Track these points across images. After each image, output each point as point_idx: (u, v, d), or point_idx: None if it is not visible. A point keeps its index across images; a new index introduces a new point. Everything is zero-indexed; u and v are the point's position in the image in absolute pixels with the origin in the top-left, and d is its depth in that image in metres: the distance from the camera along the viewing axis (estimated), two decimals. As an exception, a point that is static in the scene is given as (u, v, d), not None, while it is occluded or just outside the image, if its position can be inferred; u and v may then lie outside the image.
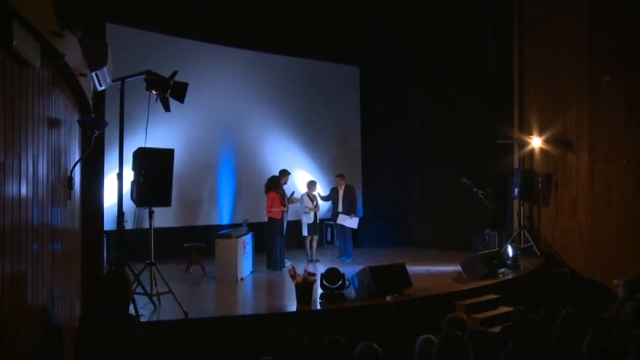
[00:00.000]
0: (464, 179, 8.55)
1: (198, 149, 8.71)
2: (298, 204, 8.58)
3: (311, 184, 8.68)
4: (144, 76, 5.07)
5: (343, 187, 8.70)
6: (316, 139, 10.16)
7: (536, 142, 8.98)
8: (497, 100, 9.23)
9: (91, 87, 4.24)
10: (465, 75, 9.49)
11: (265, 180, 7.98)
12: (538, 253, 8.41)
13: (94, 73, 4.04)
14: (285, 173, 8.22)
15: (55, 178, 3.11)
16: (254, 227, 7.87)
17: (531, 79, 9.09)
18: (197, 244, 7.36)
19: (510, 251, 7.64)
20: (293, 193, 8.42)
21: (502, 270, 7.02)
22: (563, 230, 8.65)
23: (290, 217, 8.59)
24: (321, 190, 9.22)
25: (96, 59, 3.88)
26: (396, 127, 10.60)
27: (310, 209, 8.50)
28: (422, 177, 10.36)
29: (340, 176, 8.77)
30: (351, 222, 8.60)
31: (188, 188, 8.57)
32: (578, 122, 8.57)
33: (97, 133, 3.62)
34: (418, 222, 10.41)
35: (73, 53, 3.16)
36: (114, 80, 4.70)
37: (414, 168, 10.53)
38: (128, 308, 3.12)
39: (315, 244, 8.57)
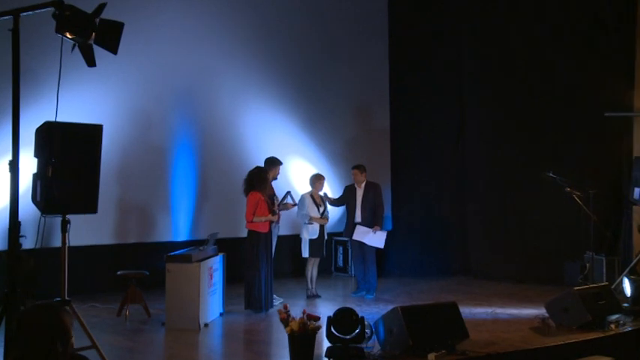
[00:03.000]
0: (550, 174, 8.38)
1: (140, 126, 8.69)
2: (295, 209, 8.55)
3: (316, 180, 8.66)
4: (51, 9, 4.90)
5: (363, 185, 8.72)
6: (322, 114, 10.18)
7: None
8: (606, 53, 9.19)
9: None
10: (551, 19, 9.47)
11: (244, 174, 7.90)
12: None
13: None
14: (274, 163, 8.21)
15: None
16: (226, 245, 7.89)
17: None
18: (138, 271, 7.35)
19: (628, 287, 7.55)
20: (288, 193, 8.41)
21: (615, 317, 6.89)
22: None
23: (283, 229, 8.60)
24: (329, 189, 9.19)
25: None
26: (443, 98, 10.51)
27: (314, 220, 8.42)
28: (484, 172, 10.27)
29: (358, 169, 8.76)
30: (375, 238, 8.59)
31: (125, 186, 8.57)
32: None
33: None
34: (478, 240, 10.35)
35: None
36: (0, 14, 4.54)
37: (472, 159, 10.43)
38: None
39: (315, 272, 8.59)
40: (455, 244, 10.53)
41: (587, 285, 7.36)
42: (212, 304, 7.14)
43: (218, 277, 7.41)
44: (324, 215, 8.53)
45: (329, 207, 8.80)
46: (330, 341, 5.64)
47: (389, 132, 10.77)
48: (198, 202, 9.17)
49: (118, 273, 7.33)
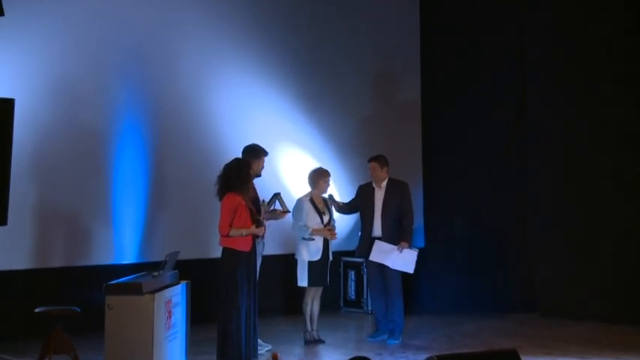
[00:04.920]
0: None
1: (68, 101, 8.71)
2: (289, 218, 8.64)
3: (319, 177, 8.73)
4: None
5: (384, 184, 8.87)
6: (328, 86, 10.47)
7: None
8: None
9: None
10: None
11: (217, 169, 7.88)
12: None
13: None
14: (256, 154, 8.29)
15: None
16: (191, 270, 7.99)
17: None
18: (64, 307, 7.25)
19: None
20: (276, 196, 8.46)
21: None
22: None
23: (270, 247, 8.67)
24: (335, 191, 9.24)
25: None
26: (497, 65, 10.65)
27: (316, 233, 8.48)
28: (553, 170, 10.34)
29: (378, 162, 8.90)
30: (401, 260, 8.70)
31: (46, 186, 8.62)
32: None
33: None
34: (546, 264, 10.37)
35: None
36: None
37: (537, 151, 10.51)
38: None
39: (317, 307, 8.69)
40: (514, 270, 10.60)
41: None
42: (171, 352, 7.14)
43: (179, 314, 7.42)
44: (329, 227, 8.50)
45: (336, 215, 8.84)
46: (338, 406, 5.65)
47: (420, 111, 10.87)
48: (150, 209, 9.19)
49: (37, 310, 7.12)
